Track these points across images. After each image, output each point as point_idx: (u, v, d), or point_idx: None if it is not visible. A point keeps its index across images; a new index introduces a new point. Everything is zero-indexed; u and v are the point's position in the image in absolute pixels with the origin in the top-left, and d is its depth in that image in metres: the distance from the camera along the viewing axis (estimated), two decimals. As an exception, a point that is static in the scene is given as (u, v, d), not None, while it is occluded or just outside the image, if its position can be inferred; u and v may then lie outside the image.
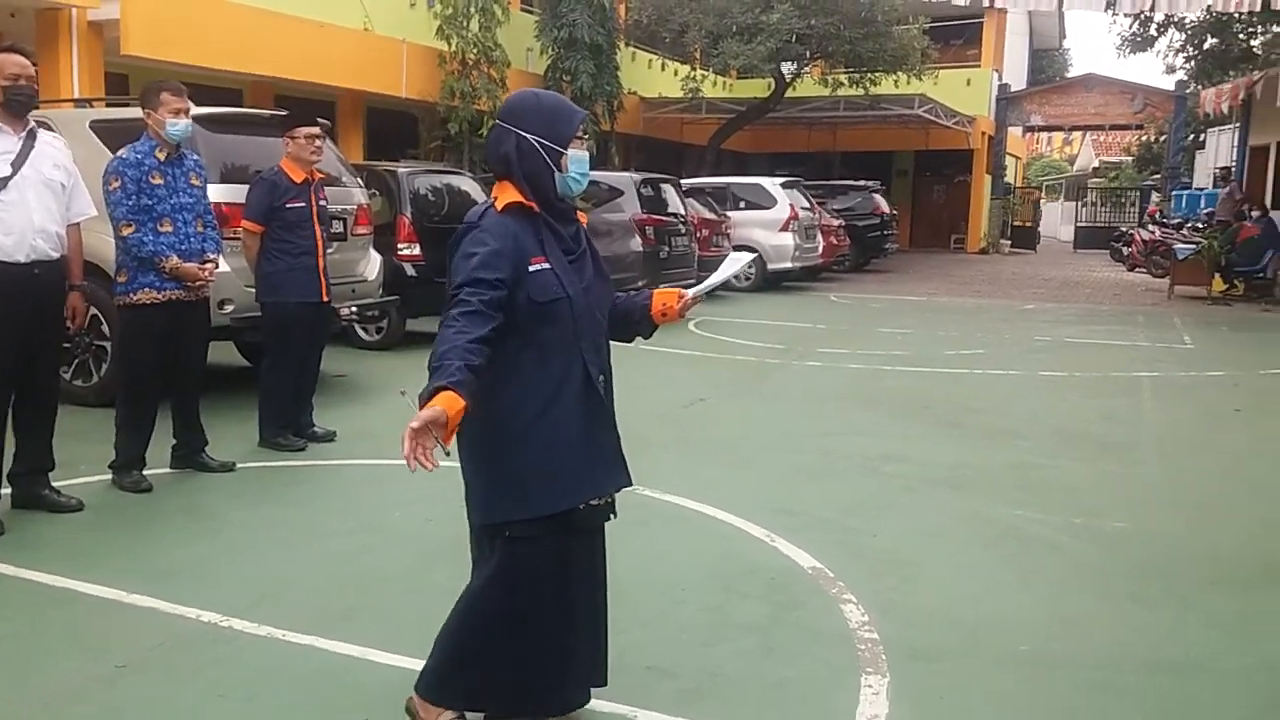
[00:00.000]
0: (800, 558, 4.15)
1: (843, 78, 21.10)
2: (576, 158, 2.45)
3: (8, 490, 4.52)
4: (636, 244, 11.21)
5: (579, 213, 2.65)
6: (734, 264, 2.78)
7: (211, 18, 12.15)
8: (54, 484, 4.64)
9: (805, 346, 10.22)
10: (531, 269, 2.36)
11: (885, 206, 20.79)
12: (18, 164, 4.20)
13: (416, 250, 8.65)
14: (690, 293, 2.65)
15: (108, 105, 7.82)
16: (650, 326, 2.68)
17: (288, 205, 5.55)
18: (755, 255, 3.51)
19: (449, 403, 2.10)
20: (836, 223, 18.40)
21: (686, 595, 3.77)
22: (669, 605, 3.69)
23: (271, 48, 12.79)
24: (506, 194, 2.43)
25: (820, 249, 17.08)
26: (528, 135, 2.41)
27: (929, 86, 22.39)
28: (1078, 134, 40.56)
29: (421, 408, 2.11)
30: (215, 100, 12.81)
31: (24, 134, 4.28)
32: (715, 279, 2.72)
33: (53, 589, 3.71)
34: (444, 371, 2.15)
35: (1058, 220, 40.33)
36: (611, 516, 2.60)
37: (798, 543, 4.31)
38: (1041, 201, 39.08)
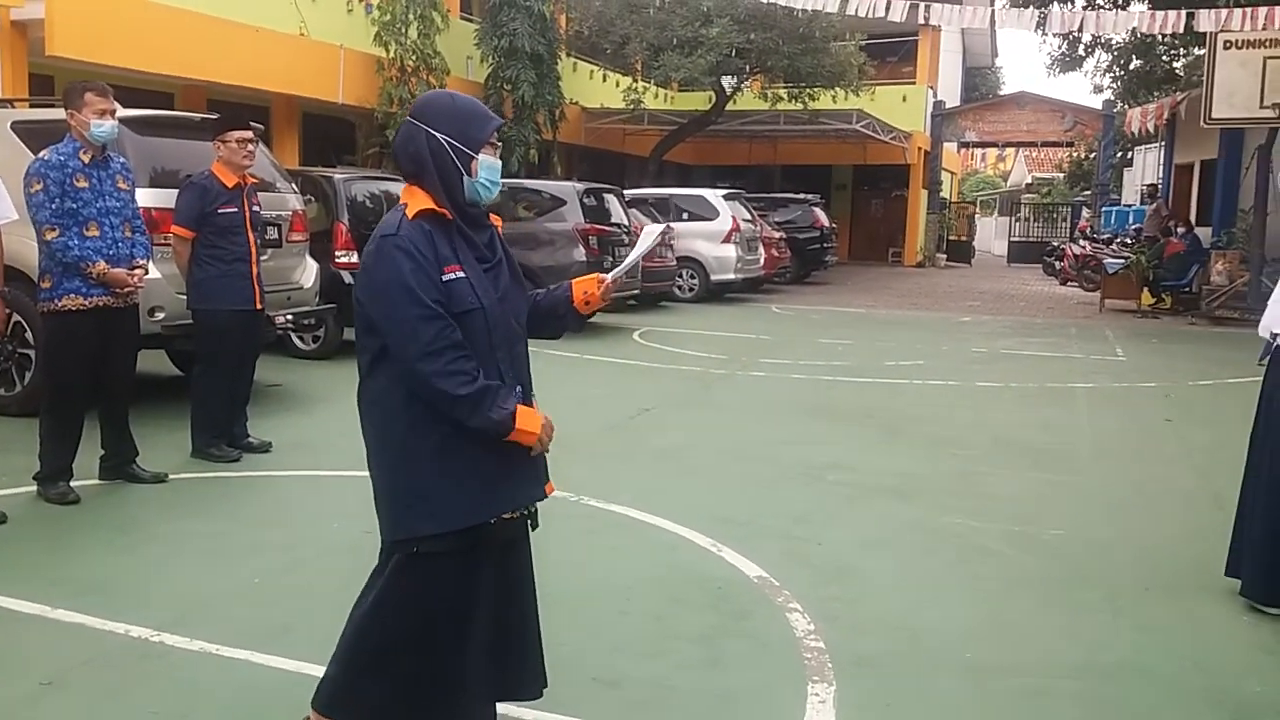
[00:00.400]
0: (746, 567, 4.14)
1: (782, 92, 21.35)
2: (488, 164, 2.35)
3: (-78, 504, 4.33)
4: (580, 253, 11.17)
5: (494, 217, 2.55)
6: (648, 238, 2.70)
7: (141, 19, 11.85)
8: (-29, 497, 4.46)
9: (749, 357, 10.27)
10: (445, 278, 2.26)
11: (825, 219, 21.05)
12: (-66, 165, 4.03)
13: (354, 258, 8.51)
14: (609, 276, 2.58)
15: (31, 106, 7.57)
16: (578, 318, 2.61)
17: (220, 210, 5.41)
18: (666, 226, 3.50)
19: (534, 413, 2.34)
20: (778, 235, 18.60)
21: (631, 605, 3.74)
22: (614, 615, 3.65)
23: (204, 51, 12.51)
24: (417, 200, 2.33)
25: (762, 261, 17.23)
26: (438, 135, 2.32)
27: (866, 102, 22.74)
28: (1011, 150, 41.51)
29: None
30: (146, 104, 12.50)
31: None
32: (632, 257, 2.65)
33: (-28, 606, 3.56)
34: (500, 394, 2.28)
35: (992, 235, 41.20)
36: (532, 528, 2.51)
37: (743, 552, 4.30)
38: (976, 216, 39.93)
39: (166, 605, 3.61)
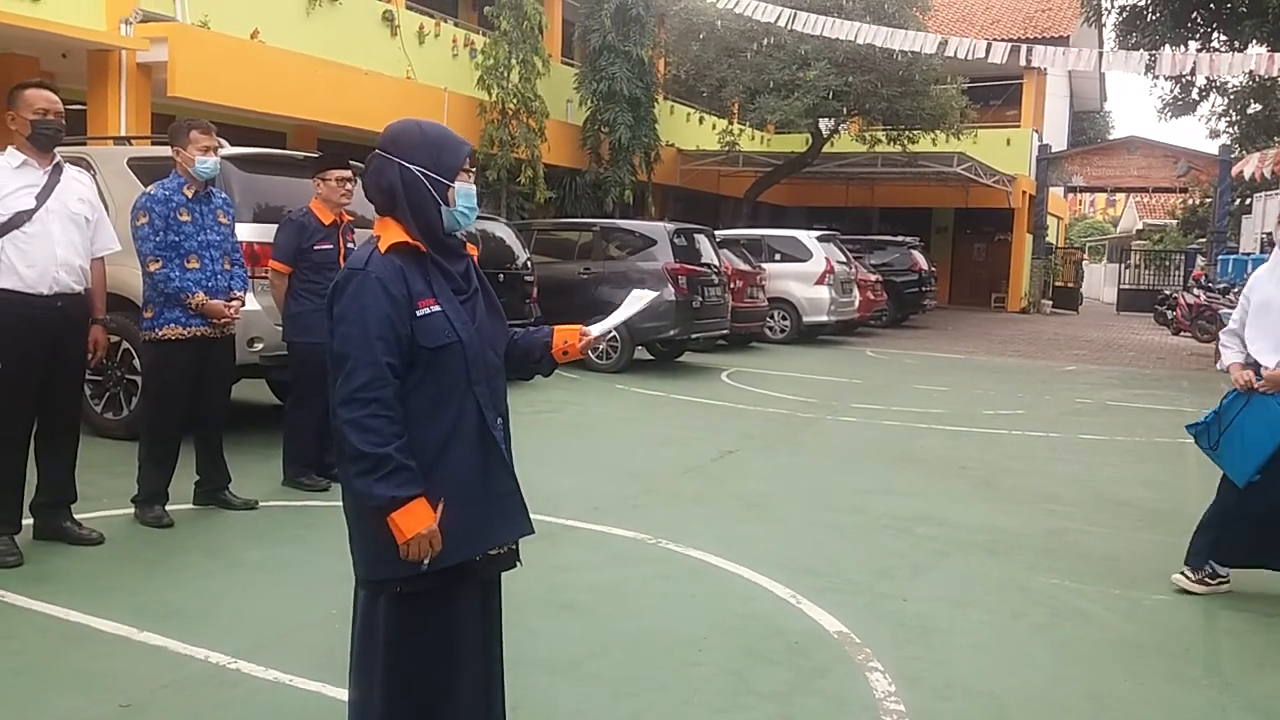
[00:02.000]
0: (826, 621, 4.01)
1: (880, 134, 21.13)
2: (464, 191, 2.30)
3: (29, 520, 4.51)
4: (670, 293, 11.16)
5: (470, 247, 2.49)
6: (635, 303, 2.61)
7: (257, 62, 12.41)
8: (76, 516, 4.62)
9: (839, 401, 10.08)
10: (420, 313, 2.21)
11: (923, 263, 20.66)
12: (42, 197, 4.24)
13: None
14: (594, 331, 2.53)
15: (153, 144, 7.95)
16: (551, 365, 2.55)
17: (316, 247, 5.56)
18: (658, 295, 3.33)
19: (426, 513, 2.18)
20: (873, 277, 18.31)
21: (704, 657, 3.64)
22: (685, 666, 3.56)
23: (315, 93, 13.01)
24: (390, 233, 2.27)
25: (856, 303, 16.97)
26: (411, 166, 2.26)
27: (968, 145, 22.36)
28: (1121, 196, 40.23)
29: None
30: (259, 142, 13.06)
31: (50, 168, 4.32)
32: (616, 318, 2.57)
33: (66, 623, 3.67)
34: (400, 475, 2.16)
35: (1101, 281, 39.87)
36: (516, 565, 2.44)
37: (824, 605, 4.17)
38: (1084, 262, 38.65)
39: (246, 632, 3.66)
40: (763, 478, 6.61)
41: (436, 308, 2.24)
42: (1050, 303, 28.70)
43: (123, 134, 10.56)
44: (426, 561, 2.20)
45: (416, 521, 2.16)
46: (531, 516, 2.46)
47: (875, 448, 7.80)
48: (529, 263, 10.32)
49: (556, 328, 2.54)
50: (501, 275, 9.58)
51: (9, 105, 4.25)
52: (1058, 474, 7.09)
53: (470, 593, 2.35)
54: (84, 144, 7.96)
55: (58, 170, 4.34)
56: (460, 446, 2.27)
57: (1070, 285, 31.65)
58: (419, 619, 2.30)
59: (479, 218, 10.63)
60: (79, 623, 3.66)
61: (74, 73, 11.58)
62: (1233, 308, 15.40)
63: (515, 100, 15.45)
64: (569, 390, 9.98)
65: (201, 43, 11.76)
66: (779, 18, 13.67)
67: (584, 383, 10.53)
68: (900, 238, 21.20)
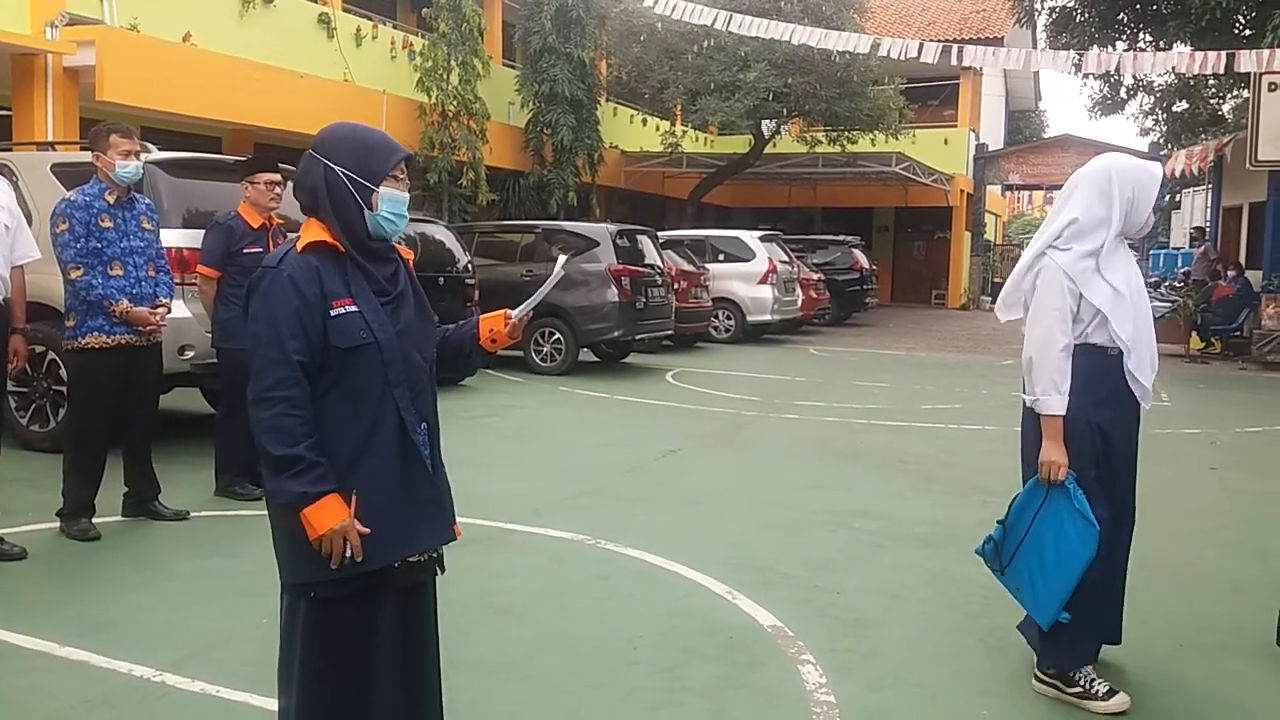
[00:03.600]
0: (761, 616, 4.04)
1: (821, 135, 21.36)
2: (390, 196, 2.26)
3: (-55, 539, 4.38)
4: (612, 294, 11.16)
5: (404, 250, 2.47)
6: (555, 276, 2.64)
7: (190, 66, 12.17)
8: (-3, 531, 4.49)
9: (782, 399, 10.16)
10: (334, 313, 2.19)
11: (865, 261, 20.93)
12: (-41, 207, 4.12)
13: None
14: (516, 312, 2.51)
15: (81, 150, 7.76)
16: (484, 356, 2.54)
17: (245, 250, 5.46)
18: (568, 257, 3.33)
19: (339, 509, 2.17)
20: (816, 276, 18.52)
21: (640, 655, 3.64)
22: (620, 665, 3.56)
23: (250, 97, 12.80)
24: (311, 232, 2.26)
25: (799, 302, 17.15)
26: (336, 168, 2.24)
27: (907, 145, 22.68)
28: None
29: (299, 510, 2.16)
30: (195, 145, 12.79)
31: (-34, 178, 4.20)
32: (539, 294, 2.55)
33: (-17, 642, 3.57)
34: (311, 473, 2.15)
35: (1037, 277, 40.63)
36: (438, 572, 2.43)
37: (759, 600, 4.20)
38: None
39: (174, 645, 3.59)
40: (704, 476, 6.64)
41: (353, 308, 2.21)
42: (990, 299, 29.23)
43: (49, 139, 10.30)
44: (348, 557, 2.17)
45: (328, 517, 2.14)
46: (469, 520, 2.45)
47: (817, 444, 7.88)
48: (469, 265, 10.25)
49: (481, 317, 2.51)
50: (442, 279, 9.52)
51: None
52: (993, 466, 7.19)
53: (391, 599, 2.32)
54: (9, 149, 7.74)
55: (-27, 179, 4.22)
56: (378, 450, 2.24)
57: (1009, 281, 32.25)
58: (337, 624, 2.27)
59: (419, 220, 10.55)
60: (-2, 640, 3.56)
61: (-3, 76, 11.27)
62: (1164, 301, 15.63)
63: (455, 102, 15.37)
64: (512, 394, 9.93)
65: (131, 46, 11.50)
66: (715, 20, 13.75)
67: (527, 385, 10.49)
68: (842, 237, 21.45)
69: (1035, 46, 21.55)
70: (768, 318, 16.13)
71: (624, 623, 3.95)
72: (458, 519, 2.49)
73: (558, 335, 11.31)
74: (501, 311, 2.49)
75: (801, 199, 28.24)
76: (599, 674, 3.47)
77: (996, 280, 31.07)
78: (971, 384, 11.94)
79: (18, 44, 10.66)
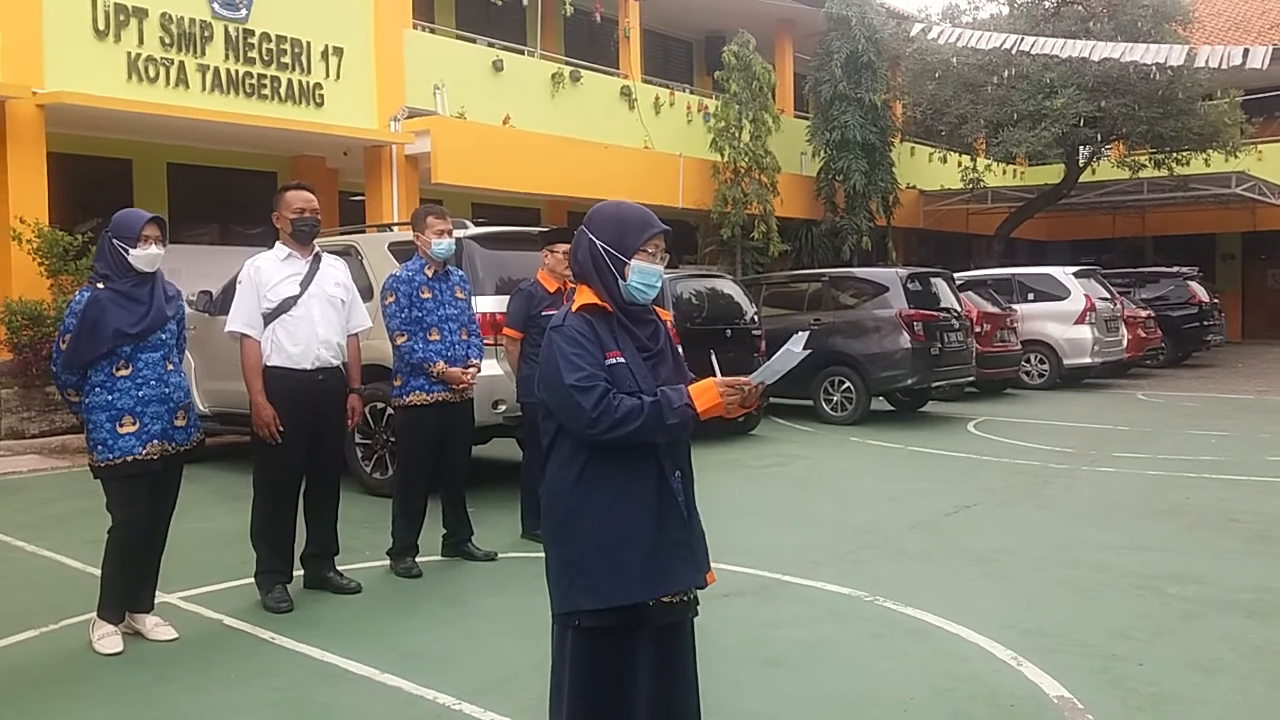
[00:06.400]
0: (1048, 685, 3.78)
1: (1144, 159, 19.63)
2: (640, 268, 2.52)
3: (301, 571, 5.09)
4: (905, 340, 10.88)
5: (661, 312, 2.69)
6: (798, 354, 2.49)
7: (509, 147, 13.47)
8: (339, 567, 5.16)
9: (1099, 450, 9.39)
10: (608, 362, 2.46)
11: (1203, 294, 18.82)
12: (305, 284, 4.84)
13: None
14: (753, 377, 2.49)
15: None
16: (726, 422, 2.60)
17: (543, 313, 5.92)
18: (807, 334, 2.87)
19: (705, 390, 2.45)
20: (1144, 313, 16.93)
21: (909, 717, 3.54)
22: (887, 726, 3.48)
23: (562, 170, 13.92)
24: (582, 296, 2.56)
25: (1125, 343, 15.74)
26: (597, 242, 2.54)
27: (1251, 163, 20.32)
28: None
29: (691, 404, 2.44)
30: (516, 218, 14.13)
31: (310, 258, 4.93)
32: (776, 368, 2.48)
33: (321, 663, 4.12)
34: (670, 401, 2.41)
35: None
36: (693, 614, 2.58)
37: (1047, 667, 3.93)
38: None
39: (473, 676, 3.95)
40: (998, 533, 6.29)
41: (621, 359, 2.48)
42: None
43: (395, 219, 11.79)
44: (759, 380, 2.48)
45: (708, 396, 2.43)
46: (746, 569, 2.62)
47: (1132, 500, 7.21)
48: (756, 317, 10.43)
49: (691, 386, 2.50)
50: (729, 331, 9.76)
51: (274, 206, 4.92)
52: (1354, 528, 6.25)
53: (648, 637, 2.51)
54: (362, 231, 8.95)
55: (317, 259, 4.96)
56: (637, 493, 2.48)
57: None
58: (599, 655, 2.49)
59: (706, 275, 10.92)
60: (331, 663, 4.10)
61: (354, 167, 13.11)
62: None
63: (747, 158, 15.78)
64: (800, 443, 9.94)
65: (459, 132, 12.95)
66: (1016, 45, 13.13)
67: (817, 435, 10.44)
68: (1174, 268, 19.47)
69: None
70: (1087, 360, 14.95)
71: (896, 682, 3.85)
72: (731, 567, 2.70)
73: (848, 384, 11.18)
74: (709, 380, 2.48)
75: (1128, 228, 25.97)
76: (864, 734, 3.42)
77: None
78: (1336, 431, 10.39)
79: (369, 137, 12.35)
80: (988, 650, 4.17)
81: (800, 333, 2.55)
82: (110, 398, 4.15)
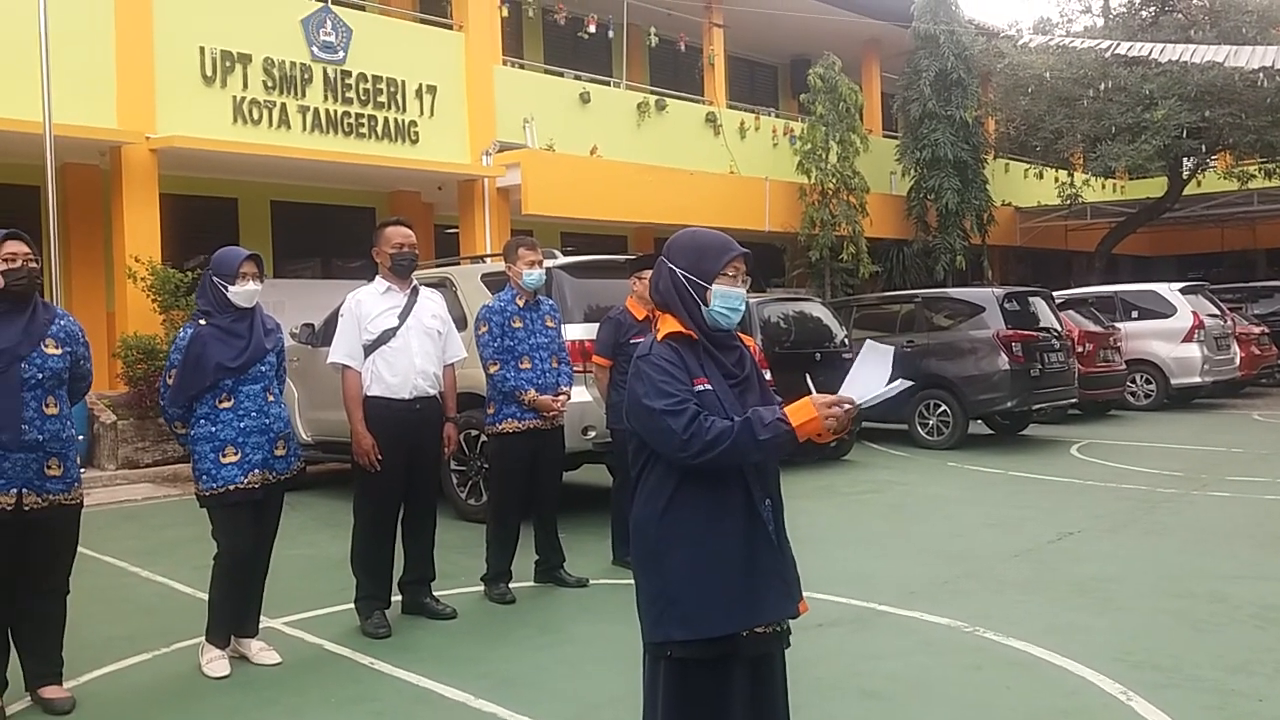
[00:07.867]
0: (1159, 721, 3.62)
1: (1254, 169, 18.82)
2: (722, 293, 2.49)
3: (399, 597, 5.20)
4: (1003, 361, 10.60)
5: (745, 338, 2.66)
6: (899, 385, 2.44)
7: (596, 176, 13.64)
8: (435, 593, 5.25)
9: (1211, 474, 8.98)
10: (696, 389, 2.44)
11: (1322, 309, 17.90)
12: (403, 316, 4.98)
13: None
14: (861, 402, 2.42)
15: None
16: (816, 449, 2.52)
17: (631, 340, 5.94)
18: (893, 349, 2.54)
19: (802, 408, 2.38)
20: (1258, 329, 16.19)
21: (1011, 753, 3.42)
22: (989, 762, 3.37)
23: (648, 197, 14.03)
24: (666, 324, 2.54)
25: (1237, 361, 15.06)
26: (676, 270, 2.53)
27: (1374, 169, 19.28)
28: None
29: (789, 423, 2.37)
30: (605, 245, 14.27)
31: (409, 291, 5.07)
32: (877, 397, 2.42)
33: (418, 688, 4.18)
34: (761, 418, 2.37)
35: None
36: (786, 645, 2.54)
37: (1159, 703, 3.76)
38: None
39: (566, 703, 3.97)
40: (1105, 561, 6.05)
41: (709, 386, 2.47)
42: None
43: (487, 251, 12.03)
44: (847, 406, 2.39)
45: (804, 412, 2.37)
46: (842, 599, 2.58)
47: (1248, 526, 6.86)
48: (847, 340, 10.30)
49: (788, 406, 2.46)
50: (818, 354, 9.65)
51: (374, 242, 5.08)
52: None
53: (740, 668, 2.48)
54: (456, 263, 9.16)
55: (415, 293, 5.10)
56: (727, 523, 2.45)
57: None
58: (691, 686, 2.47)
59: (795, 299, 10.83)
60: (428, 688, 4.16)
61: (448, 201, 13.44)
62: None
63: (834, 180, 15.66)
64: (895, 469, 9.75)
65: (548, 164, 13.17)
66: (1113, 49, 12.75)
67: (912, 460, 10.23)
68: (1289, 282, 18.59)
69: None
70: (1196, 380, 14.34)
71: (999, 716, 3.74)
72: (825, 596, 2.66)
73: (944, 407, 10.93)
74: (806, 399, 2.42)
75: (1237, 241, 24.93)
76: (965, 770, 3.31)
77: None
78: None
79: (462, 172, 12.66)
80: (1095, 684, 4.01)
81: (873, 343, 2.50)
82: (213, 429, 4.32)
